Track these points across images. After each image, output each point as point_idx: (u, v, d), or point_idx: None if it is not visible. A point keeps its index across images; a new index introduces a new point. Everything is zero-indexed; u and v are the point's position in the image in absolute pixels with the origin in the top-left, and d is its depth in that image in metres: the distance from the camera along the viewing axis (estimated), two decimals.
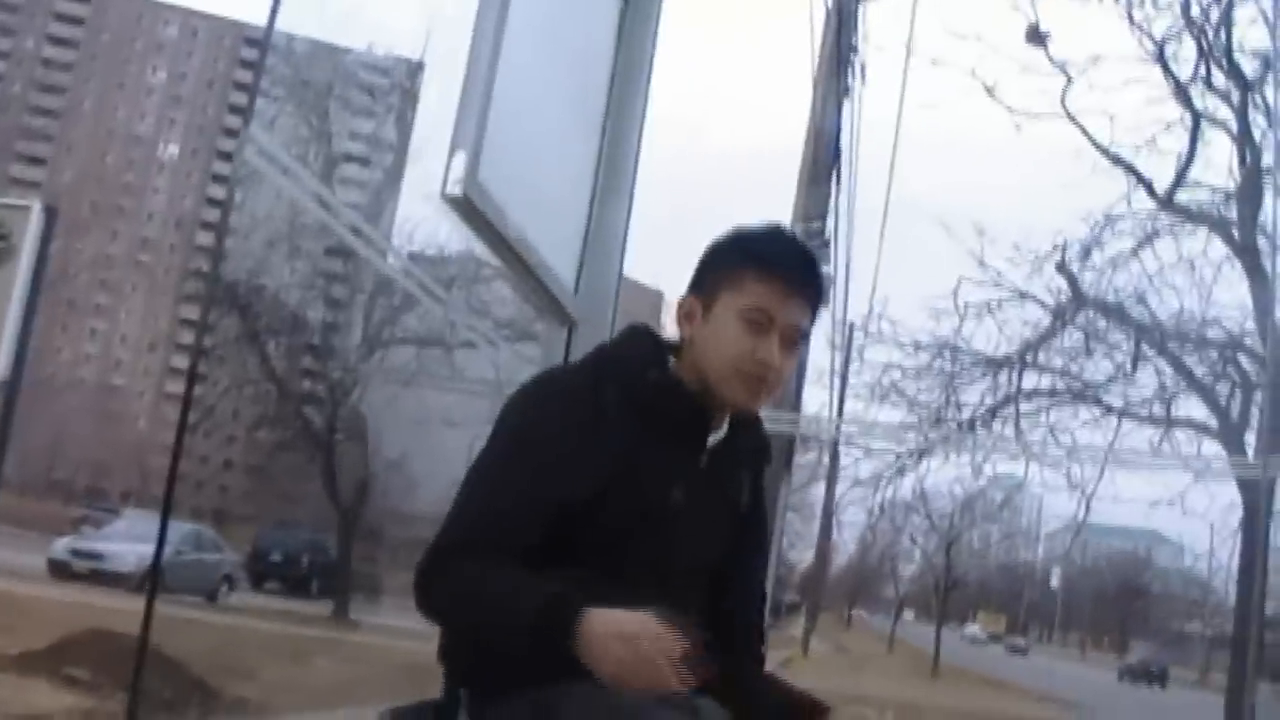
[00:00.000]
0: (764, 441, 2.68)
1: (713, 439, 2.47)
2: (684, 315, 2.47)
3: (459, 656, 2.43)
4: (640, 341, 2.49)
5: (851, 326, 21.59)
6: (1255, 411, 17.48)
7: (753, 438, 2.60)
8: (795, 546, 49.31)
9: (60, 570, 24.89)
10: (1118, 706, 29.61)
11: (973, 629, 76.38)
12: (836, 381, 21.74)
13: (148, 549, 26.84)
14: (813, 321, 2.49)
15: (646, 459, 2.36)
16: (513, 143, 2.87)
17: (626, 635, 2.10)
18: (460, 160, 2.59)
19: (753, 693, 2.55)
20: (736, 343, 2.35)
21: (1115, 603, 73.64)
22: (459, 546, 2.29)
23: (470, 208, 2.68)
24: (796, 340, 2.43)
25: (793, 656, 36.14)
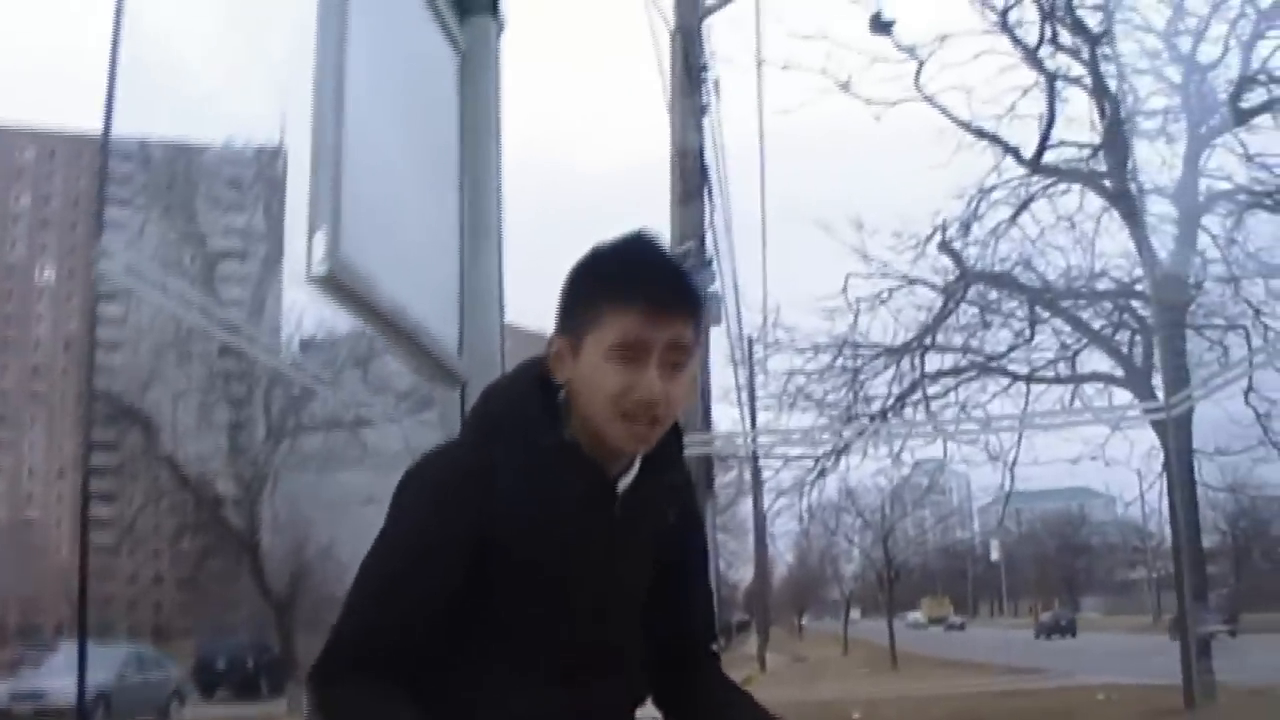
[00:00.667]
0: (682, 475, 2.53)
1: (624, 483, 2.34)
2: (555, 359, 2.31)
3: None
4: (528, 397, 2.33)
5: (750, 340, 21.73)
6: (1158, 354, 17.69)
7: (667, 472, 2.44)
8: (733, 566, 49.50)
9: (2, 717, 24.50)
10: (1074, 664, 29.82)
11: (914, 616, 76.71)
12: (744, 396, 21.84)
13: (93, 678, 26.56)
14: (696, 332, 2.28)
15: (550, 525, 2.25)
16: (372, 213, 2.84)
17: None
18: (320, 239, 2.54)
19: (712, 714, 2.51)
20: (611, 385, 2.20)
21: (1058, 564, 74.20)
22: (354, 655, 2.19)
23: (337, 285, 2.63)
24: (680, 360, 2.23)
25: (750, 674, 36.15)
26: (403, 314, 3.03)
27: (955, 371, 19.74)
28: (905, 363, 19.55)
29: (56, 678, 26.45)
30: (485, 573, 2.22)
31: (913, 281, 19.50)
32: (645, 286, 2.22)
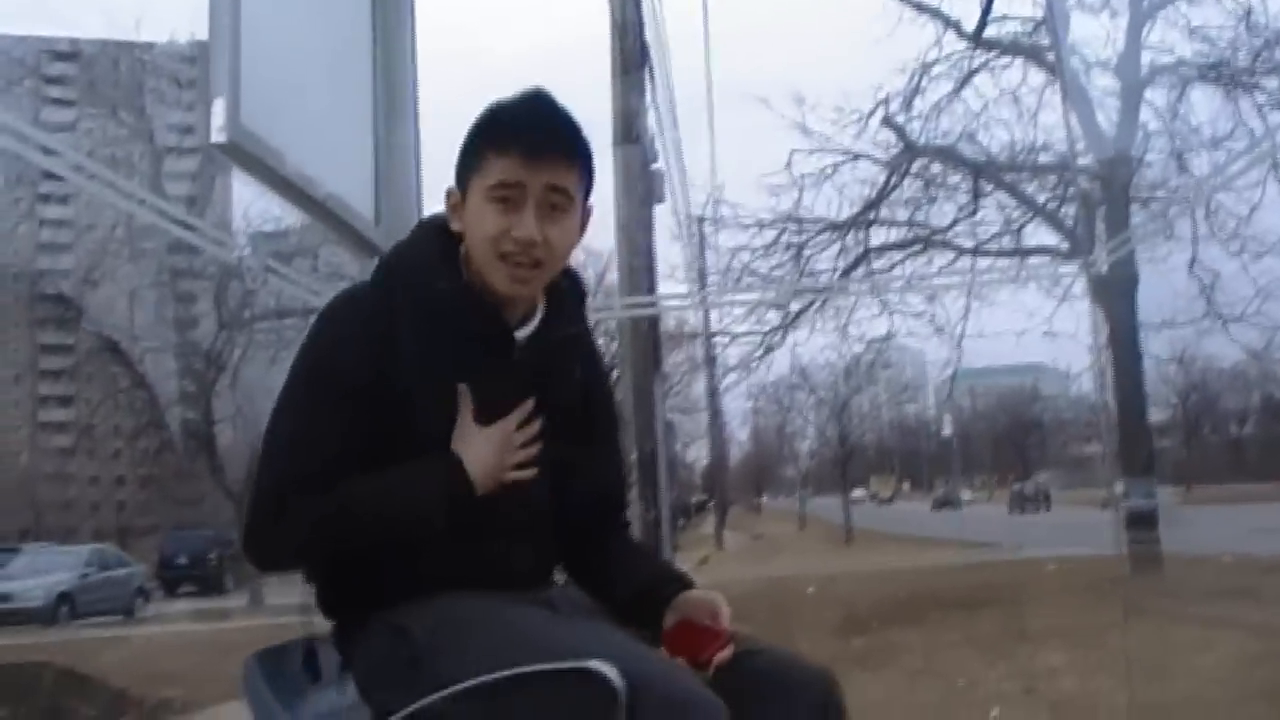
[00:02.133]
0: (581, 326, 2.56)
1: (523, 332, 2.37)
2: (451, 210, 2.36)
3: (324, 589, 2.38)
4: (427, 244, 2.37)
5: (699, 219, 21.73)
6: (1102, 226, 17.76)
7: (570, 322, 2.48)
8: (689, 446, 49.67)
9: None
10: (1026, 538, 30.18)
11: (858, 493, 77.40)
12: (692, 273, 21.88)
13: (56, 579, 26.71)
14: (582, 179, 2.34)
15: (448, 367, 2.29)
16: (278, 84, 2.85)
17: (496, 441, 2.27)
18: (220, 107, 2.57)
19: (620, 569, 2.51)
20: (489, 226, 2.25)
21: (1010, 439, 74.83)
22: (286, 493, 2.21)
23: (240, 153, 2.65)
24: (560, 204, 2.28)
25: (708, 553, 36.49)
26: (313, 183, 3.06)
27: (900, 245, 19.84)
28: (850, 238, 19.63)
29: (20, 580, 26.53)
30: (387, 416, 2.25)
31: (856, 156, 19.53)
32: (524, 130, 2.27)
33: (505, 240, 2.25)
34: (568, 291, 2.48)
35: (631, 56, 11.87)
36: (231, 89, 2.59)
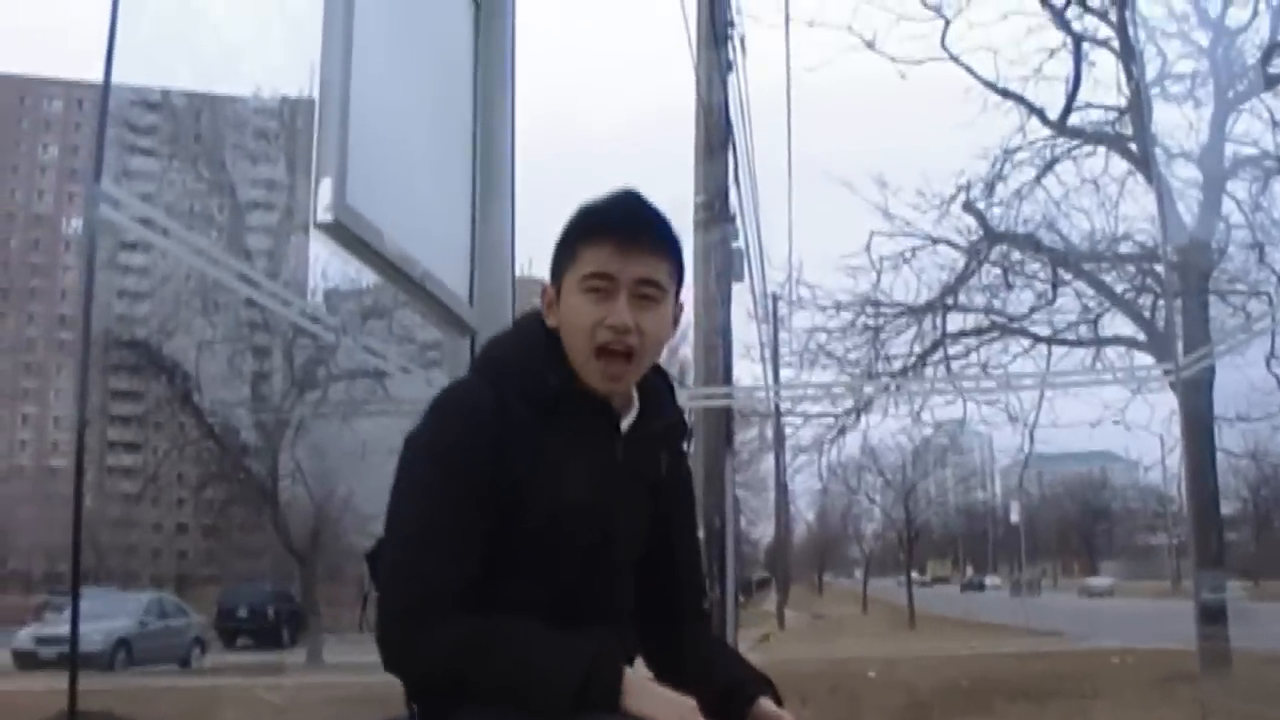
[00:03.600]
0: (677, 415, 2.60)
1: (625, 423, 2.41)
2: (547, 307, 2.40)
3: (408, 668, 2.31)
4: (533, 341, 2.40)
5: (774, 297, 21.70)
6: (1180, 319, 17.60)
7: (665, 413, 2.52)
8: (754, 523, 49.54)
9: (27, 660, 24.70)
10: (1092, 626, 29.87)
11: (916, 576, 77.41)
12: (767, 353, 21.82)
13: (115, 624, 26.82)
14: (672, 273, 2.38)
15: (560, 461, 2.29)
16: (381, 161, 2.87)
17: (666, 713, 2.12)
18: (326, 186, 2.58)
19: (701, 665, 2.51)
20: (583, 318, 2.28)
21: (1078, 527, 74.20)
22: (432, 599, 2.19)
23: (343, 232, 2.67)
24: (652, 295, 2.32)
25: (769, 631, 36.28)
26: (411, 262, 3.06)
27: (977, 332, 19.68)
28: (927, 322, 19.52)
29: (81, 623, 26.64)
30: (502, 513, 2.26)
31: (936, 241, 19.43)
32: (615, 223, 2.33)
33: (600, 330, 2.29)
34: (658, 385, 2.52)
35: (716, 136, 11.93)
36: (339, 169, 2.60)
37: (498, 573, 2.26)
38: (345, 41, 2.66)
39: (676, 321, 2.46)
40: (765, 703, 2.41)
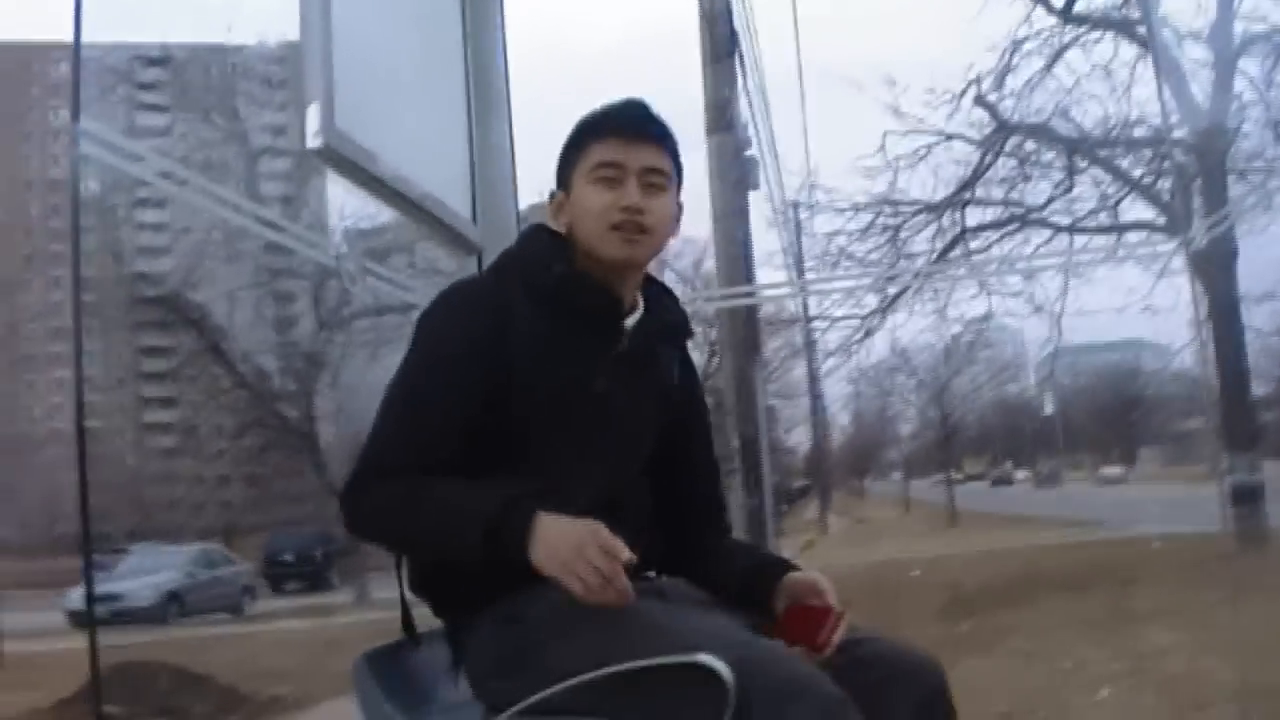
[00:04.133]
0: (681, 315, 2.66)
1: (629, 321, 2.47)
2: (555, 211, 2.50)
3: (432, 586, 2.43)
4: (539, 240, 2.50)
5: (793, 203, 21.65)
6: (1198, 200, 17.51)
7: (669, 312, 2.60)
8: (790, 431, 49.55)
9: (80, 619, 24.93)
10: (1132, 514, 29.85)
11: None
12: (789, 259, 21.78)
13: (164, 578, 27.15)
14: (673, 164, 2.49)
15: (562, 349, 2.36)
16: (369, 84, 2.88)
17: (574, 542, 2.11)
18: (314, 111, 2.60)
19: (721, 562, 2.57)
20: (596, 202, 2.38)
21: (1112, 416, 73.93)
22: (382, 466, 2.29)
23: (335, 156, 2.68)
24: (658, 183, 2.44)
25: (812, 539, 36.44)
26: (409, 184, 3.08)
27: (996, 225, 19.63)
28: (946, 218, 19.46)
29: (130, 579, 26.90)
30: (499, 395, 2.33)
31: (950, 137, 19.32)
32: (619, 118, 2.47)
33: (612, 212, 2.39)
34: (660, 290, 2.62)
35: (721, 44, 11.84)
36: (325, 93, 2.62)
37: (496, 456, 2.34)
38: None
39: (678, 220, 2.54)
40: (793, 575, 2.47)
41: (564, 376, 2.36)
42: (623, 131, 2.43)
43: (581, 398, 2.38)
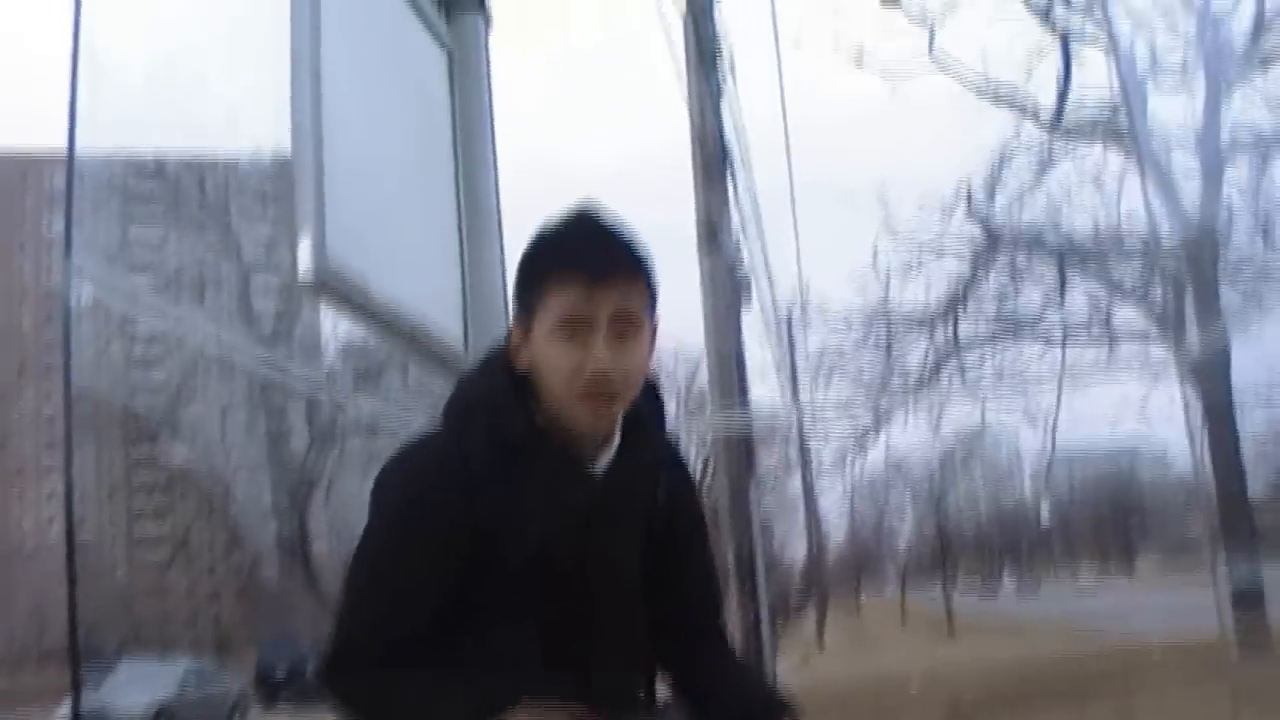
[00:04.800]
0: (661, 451, 2.48)
1: (602, 463, 2.32)
2: (514, 350, 2.30)
3: None
4: (497, 386, 2.30)
5: (788, 318, 21.68)
6: (1191, 307, 17.55)
7: (648, 445, 2.41)
8: (786, 545, 49.37)
9: None
10: (1134, 619, 29.72)
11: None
12: (783, 374, 21.77)
13: (152, 694, 26.90)
14: (647, 297, 2.26)
15: (528, 510, 2.23)
16: (362, 217, 2.84)
17: None
18: (305, 245, 2.56)
19: (714, 690, 2.47)
20: (561, 365, 2.18)
21: (1112, 523, 73.82)
22: (355, 650, 2.25)
23: (327, 289, 2.65)
24: (629, 331, 2.21)
25: (810, 653, 36.19)
26: (401, 314, 3.04)
27: (989, 338, 19.66)
28: (939, 332, 19.48)
29: (119, 694, 26.66)
30: (472, 563, 2.23)
31: (941, 251, 19.40)
32: (580, 257, 2.21)
33: (579, 377, 2.18)
34: (645, 411, 2.40)
35: (713, 161, 11.91)
36: (316, 225, 2.58)
37: (479, 621, 2.26)
38: (314, 95, 2.64)
39: (653, 343, 2.34)
40: None
41: (530, 536, 2.24)
42: (585, 274, 2.18)
43: (550, 556, 2.26)
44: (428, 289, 3.36)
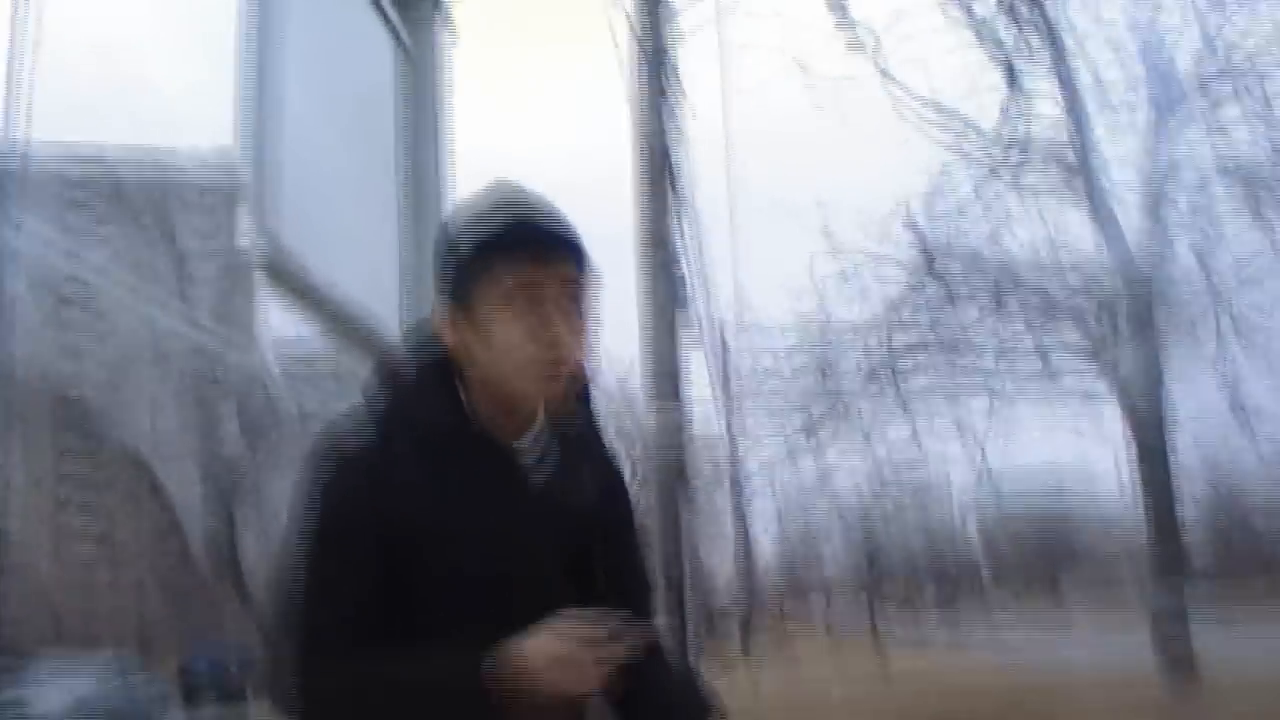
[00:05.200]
0: (591, 439, 2.48)
1: (528, 440, 2.30)
2: (443, 326, 2.26)
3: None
4: (426, 375, 2.28)
5: (720, 325, 21.70)
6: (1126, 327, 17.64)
7: (571, 425, 2.39)
8: (714, 553, 49.43)
9: None
10: (1060, 648, 29.91)
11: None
12: (716, 382, 21.81)
13: (73, 687, 26.59)
14: (586, 269, 2.27)
15: (455, 503, 2.21)
16: (307, 196, 2.84)
17: (552, 652, 2.09)
18: (249, 222, 2.56)
19: (642, 689, 2.40)
20: (513, 334, 2.16)
21: (1039, 550, 74.25)
22: (325, 643, 2.19)
23: (269, 268, 2.65)
24: (575, 295, 2.23)
25: (735, 660, 36.24)
26: (341, 300, 3.03)
27: (923, 348, 19.68)
28: (873, 343, 19.50)
29: (38, 687, 26.37)
30: (401, 562, 2.20)
31: (878, 260, 19.38)
32: (531, 230, 2.21)
33: (532, 346, 2.18)
34: (574, 398, 2.38)
35: (656, 165, 11.90)
36: (260, 205, 2.57)
37: (412, 618, 2.23)
38: (262, 87, 2.65)
39: (592, 303, 2.31)
40: None
41: (458, 530, 2.21)
42: (536, 242, 2.19)
43: (481, 549, 2.24)
44: (368, 278, 3.36)
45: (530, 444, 2.31)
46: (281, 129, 2.65)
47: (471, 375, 2.25)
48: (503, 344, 2.19)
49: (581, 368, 2.30)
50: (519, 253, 2.18)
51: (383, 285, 3.53)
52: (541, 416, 2.32)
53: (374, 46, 3.61)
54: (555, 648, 2.09)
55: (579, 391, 2.40)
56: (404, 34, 3.74)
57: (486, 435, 2.25)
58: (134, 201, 33.30)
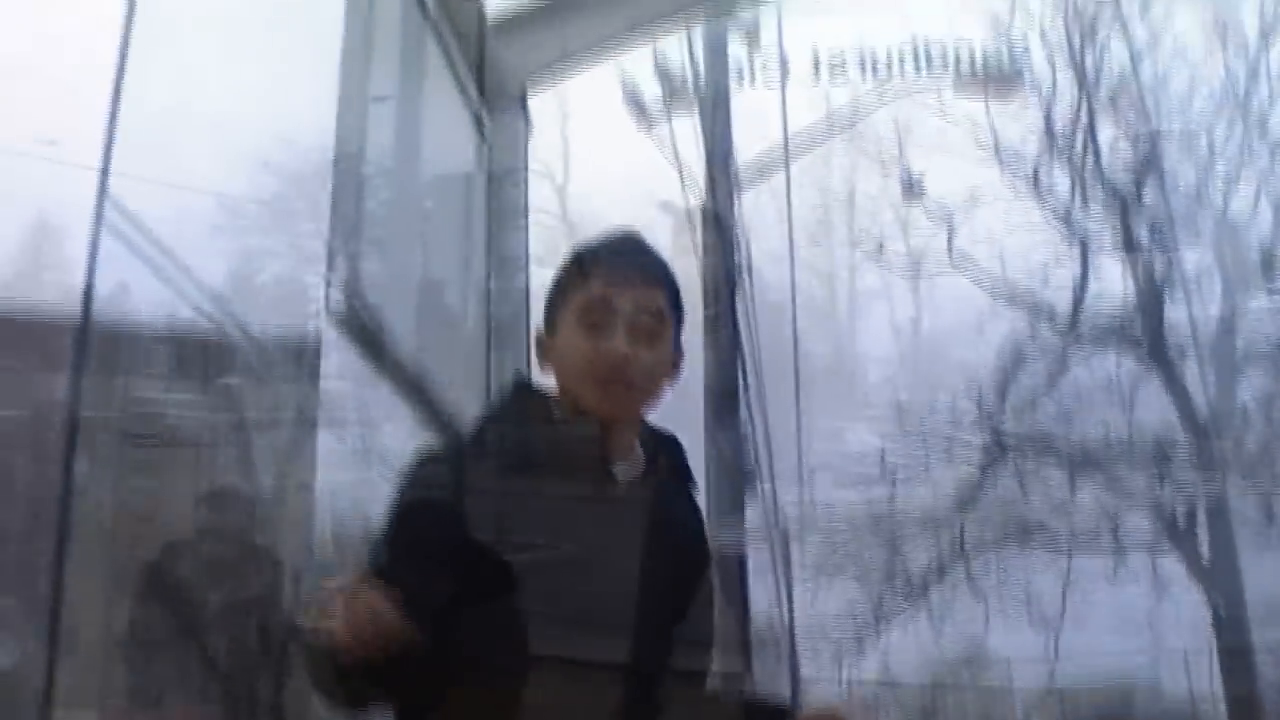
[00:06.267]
0: (679, 459, 2.49)
1: (623, 470, 2.31)
2: (540, 355, 2.38)
3: None
4: (512, 395, 2.37)
5: (782, 512, 21.56)
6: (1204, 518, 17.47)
7: (672, 472, 2.43)
8: None
9: None
10: None
11: None
12: (779, 567, 21.64)
13: None
14: (669, 302, 2.35)
15: (537, 517, 2.18)
16: (388, 261, 2.84)
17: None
18: (337, 283, 2.60)
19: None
20: (581, 349, 2.26)
21: None
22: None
23: (351, 325, 2.65)
24: (650, 325, 2.29)
25: None
26: (418, 372, 3.00)
27: (996, 541, 19.47)
28: (945, 534, 19.30)
29: None
30: (484, 566, 2.12)
31: (951, 450, 19.29)
32: (608, 256, 2.37)
33: (596, 364, 2.27)
34: (669, 449, 2.45)
35: (725, 345, 11.87)
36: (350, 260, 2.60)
37: (482, 634, 2.14)
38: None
39: (678, 366, 2.41)
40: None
41: (539, 544, 2.17)
42: (612, 268, 2.32)
43: (560, 565, 2.18)
44: (451, 358, 3.32)
45: (620, 470, 2.32)
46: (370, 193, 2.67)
47: (563, 402, 2.32)
48: (570, 361, 2.31)
49: (650, 387, 2.34)
50: (595, 274, 2.34)
51: (467, 353, 3.49)
52: (637, 451, 2.36)
53: (458, 130, 3.65)
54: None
55: (665, 439, 2.45)
56: (485, 118, 3.80)
57: (575, 439, 2.24)
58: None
